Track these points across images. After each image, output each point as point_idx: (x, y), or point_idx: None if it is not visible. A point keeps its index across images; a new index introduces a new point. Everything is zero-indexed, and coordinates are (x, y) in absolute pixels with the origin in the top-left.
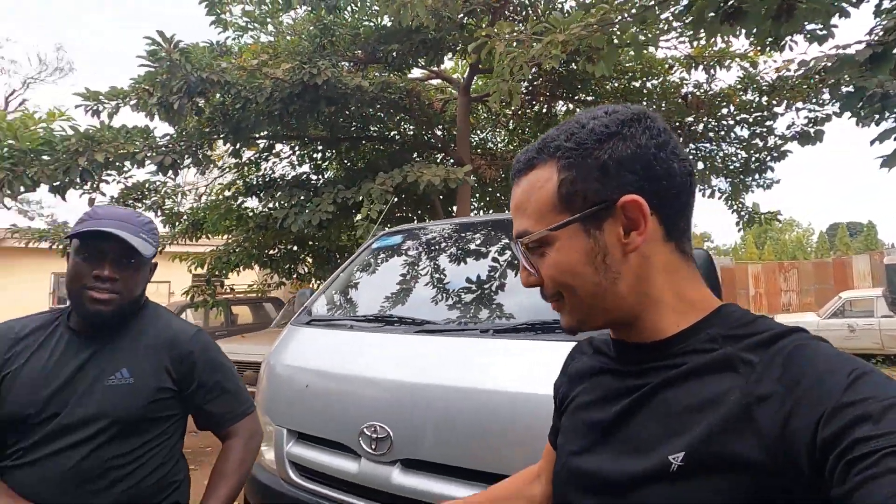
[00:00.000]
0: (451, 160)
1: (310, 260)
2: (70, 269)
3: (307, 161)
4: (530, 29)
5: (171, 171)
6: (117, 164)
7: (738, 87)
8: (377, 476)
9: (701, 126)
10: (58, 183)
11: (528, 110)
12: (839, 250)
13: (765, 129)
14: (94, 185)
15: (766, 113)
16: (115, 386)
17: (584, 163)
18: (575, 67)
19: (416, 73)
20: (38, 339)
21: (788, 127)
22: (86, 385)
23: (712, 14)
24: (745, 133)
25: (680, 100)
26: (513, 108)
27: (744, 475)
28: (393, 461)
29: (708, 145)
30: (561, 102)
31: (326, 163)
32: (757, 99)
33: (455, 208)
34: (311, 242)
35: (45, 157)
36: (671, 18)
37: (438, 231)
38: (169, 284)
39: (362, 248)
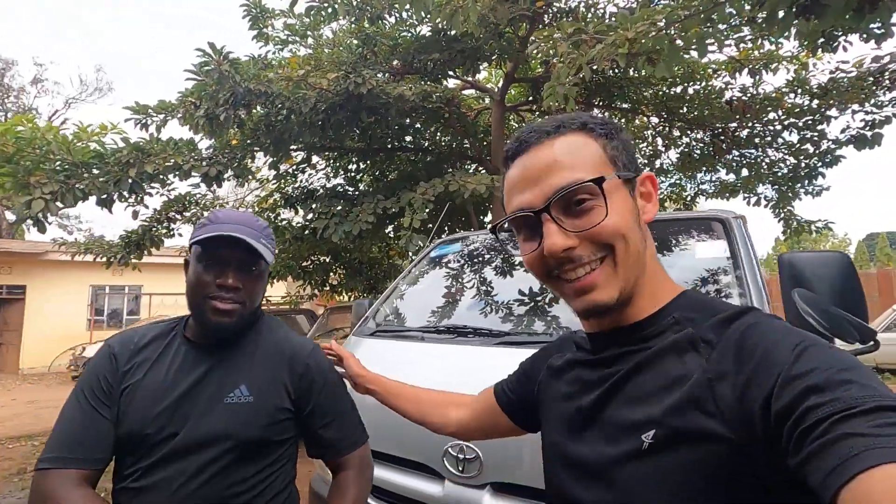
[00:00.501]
0: (482, 170)
1: (342, 271)
2: (191, 278)
3: (342, 173)
4: (593, 29)
5: (214, 183)
6: (161, 176)
7: (787, 90)
8: (464, 500)
9: (745, 132)
10: (104, 196)
11: None
12: (880, 261)
13: (816, 134)
14: (140, 198)
15: (817, 116)
16: (234, 404)
17: (614, 137)
18: (616, 72)
19: (450, 84)
20: (157, 350)
21: (843, 130)
22: (204, 402)
23: (786, 9)
24: (793, 138)
25: (724, 104)
26: (572, 109)
27: (709, 449)
28: (482, 485)
29: (754, 151)
30: (596, 110)
31: (360, 174)
32: (807, 102)
33: (489, 218)
34: (343, 254)
35: (95, 171)
36: (740, 15)
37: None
38: None
39: (420, 257)
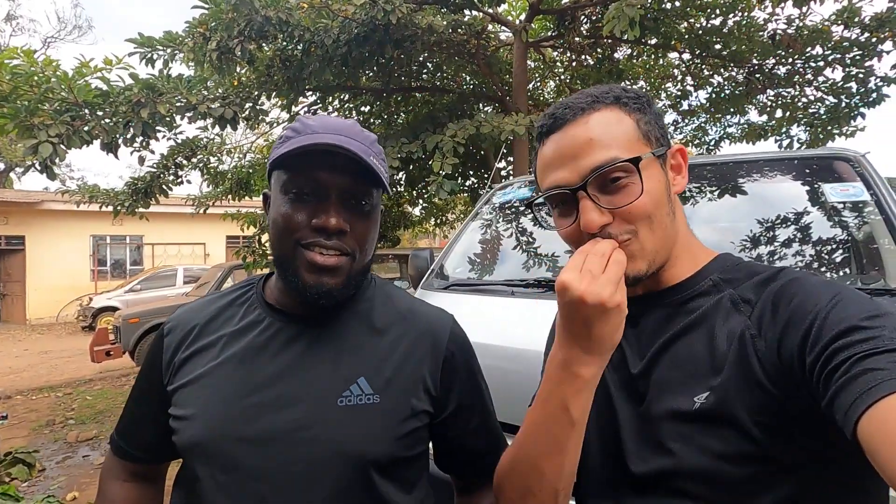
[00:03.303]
0: (502, 111)
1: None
2: (275, 218)
3: (355, 115)
4: None
5: (229, 125)
6: (168, 118)
7: (836, 20)
8: None
9: (784, 69)
10: (111, 139)
11: (587, 56)
12: None
13: (862, 71)
14: (146, 143)
15: (866, 51)
16: (353, 407)
17: (647, 111)
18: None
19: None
20: (229, 327)
21: (894, 67)
22: (303, 403)
23: None
24: (837, 75)
25: (767, 38)
26: (634, 36)
27: (756, 405)
28: None
29: (791, 90)
30: (626, 47)
31: (373, 117)
32: (856, 36)
33: (509, 163)
34: None
35: (100, 112)
36: None
37: None
38: (204, 246)
39: (480, 205)
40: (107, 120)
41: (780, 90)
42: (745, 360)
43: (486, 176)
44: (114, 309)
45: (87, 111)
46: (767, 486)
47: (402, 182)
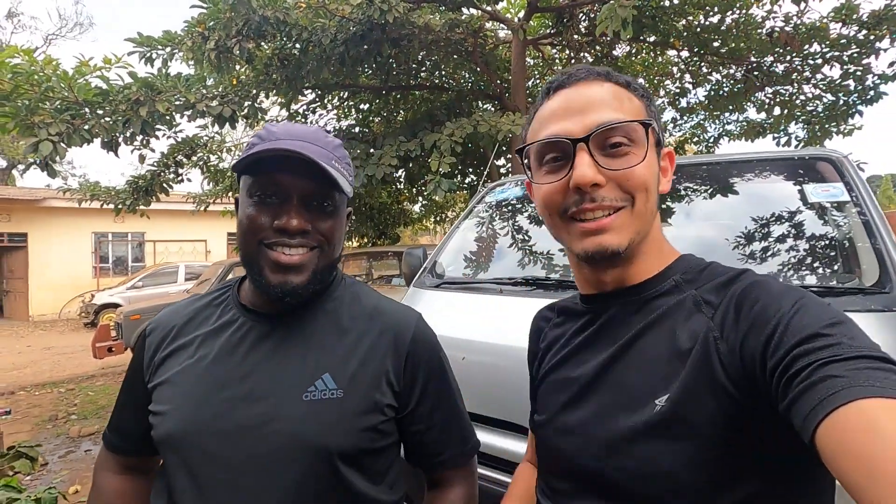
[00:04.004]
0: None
1: (353, 217)
2: (242, 220)
3: (353, 113)
4: None
5: (228, 124)
6: (167, 116)
7: (834, 17)
8: None
9: (782, 66)
10: (110, 138)
11: (585, 54)
12: (882, 203)
13: (860, 68)
14: (146, 141)
15: (864, 49)
16: (317, 402)
17: (651, 104)
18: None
19: (470, 13)
20: (205, 326)
21: (891, 64)
22: (272, 397)
23: None
24: (835, 73)
25: (765, 36)
26: (628, 36)
27: (717, 408)
28: None
29: (789, 88)
30: (624, 44)
31: (372, 115)
32: (854, 33)
33: (508, 160)
34: (354, 199)
35: (100, 111)
36: None
37: None
38: (205, 243)
39: (474, 202)
40: (106, 118)
41: (779, 88)
42: (707, 362)
43: (485, 174)
44: (116, 305)
45: (86, 110)
46: (727, 488)
47: (401, 180)
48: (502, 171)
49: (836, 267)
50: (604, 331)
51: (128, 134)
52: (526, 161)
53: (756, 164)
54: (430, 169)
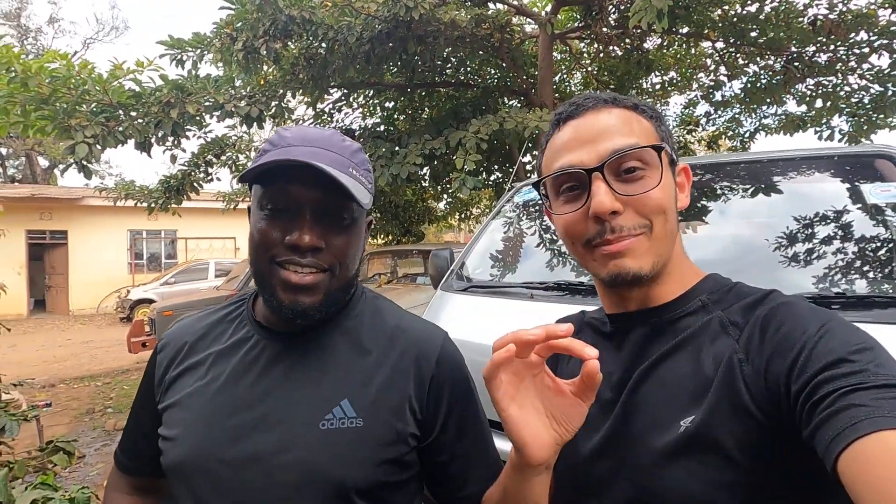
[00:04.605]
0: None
1: (377, 215)
2: (253, 234)
3: (378, 111)
4: None
5: (255, 124)
6: (197, 117)
7: (883, 3)
8: None
9: (825, 56)
10: (143, 139)
11: (615, 47)
12: None
13: None
14: (177, 141)
15: None
16: (334, 431)
17: (661, 123)
18: None
19: (495, 8)
20: (218, 344)
21: None
22: (286, 425)
23: None
24: (883, 62)
25: (807, 25)
26: (663, 28)
27: (741, 430)
28: None
29: (832, 79)
30: (655, 37)
31: (397, 113)
32: None
33: (534, 156)
34: (380, 197)
35: (133, 112)
36: None
37: None
38: (234, 240)
39: (502, 203)
40: (139, 120)
41: (821, 79)
42: (732, 385)
43: (511, 171)
44: (150, 301)
45: (120, 112)
46: None
47: (425, 178)
48: (528, 167)
49: None
50: (630, 351)
51: (159, 135)
52: (543, 192)
53: (812, 160)
54: (455, 167)
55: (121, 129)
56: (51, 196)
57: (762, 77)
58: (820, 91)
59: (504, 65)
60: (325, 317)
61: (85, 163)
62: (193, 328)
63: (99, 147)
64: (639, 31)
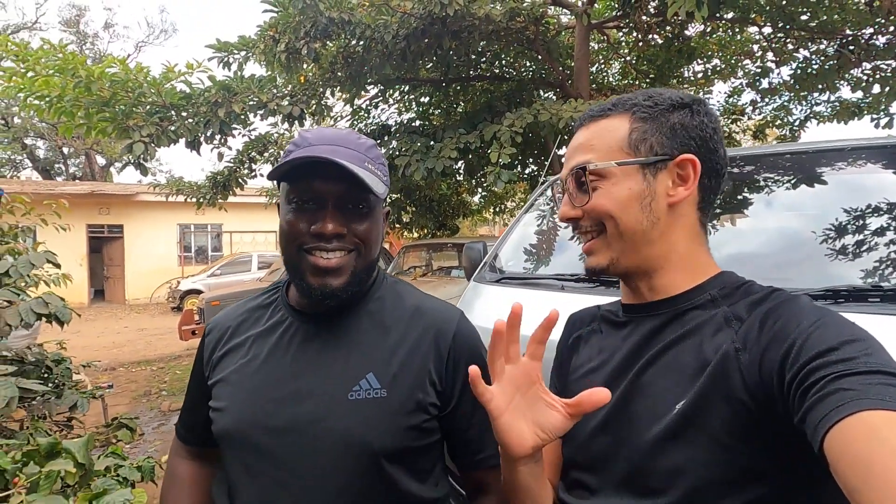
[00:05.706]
0: (563, 97)
1: (412, 209)
2: (282, 226)
3: (414, 106)
4: None
5: (297, 122)
6: (242, 116)
7: None
8: None
9: (884, 39)
10: (193, 138)
11: (654, 36)
12: None
13: None
14: (224, 139)
15: None
16: (361, 401)
17: (658, 120)
18: None
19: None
20: (256, 327)
21: None
22: (317, 397)
23: None
24: None
25: (863, 5)
26: (703, 17)
27: (733, 415)
28: None
29: (892, 63)
30: (698, 23)
31: (432, 107)
32: None
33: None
34: (416, 191)
35: (184, 113)
36: None
37: None
38: (276, 234)
39: (535, 196)
40: (189, 120)
41: (879, 63)
42: (727, 372)
43: (545, 163)
44: (198, 292)
45: (172, 112)
46: (737, 489)
47: (460, 171)
48: (563, 160)
49: None
50: (639, 338)
51: (208, 134)
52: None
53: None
54: (489, 160)
55: (173, 128)
56: (108, 192)
57: (813, 62)
58: (878, 76)
59: (539, 57)
60: (351, 297)
61: (142, 160)
62: (235, 314)
63: (154, 146)
64: (679, 18)
